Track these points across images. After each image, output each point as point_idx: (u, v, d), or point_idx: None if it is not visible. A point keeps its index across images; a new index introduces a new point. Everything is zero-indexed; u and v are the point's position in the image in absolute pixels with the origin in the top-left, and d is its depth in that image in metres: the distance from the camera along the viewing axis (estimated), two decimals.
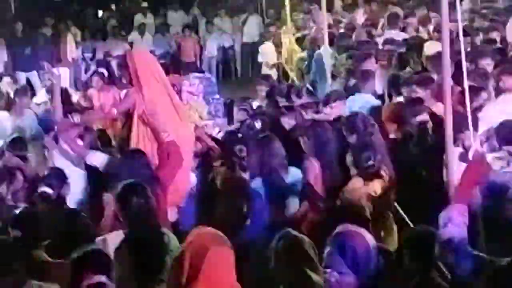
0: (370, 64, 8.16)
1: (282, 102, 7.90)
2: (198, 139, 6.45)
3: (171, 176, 5.47)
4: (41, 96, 9.65)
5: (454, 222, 3.70)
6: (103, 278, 3.46)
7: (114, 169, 5.50)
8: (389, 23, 10.53)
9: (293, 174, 5.60)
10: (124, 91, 9.63)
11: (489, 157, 4.88)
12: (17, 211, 4.81)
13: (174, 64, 15.60)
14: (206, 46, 16.37)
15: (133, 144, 5.97)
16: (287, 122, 6.78)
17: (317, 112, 7.02)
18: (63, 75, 11.17)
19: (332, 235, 3.65)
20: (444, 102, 4.83)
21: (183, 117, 6.32)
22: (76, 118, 7.00)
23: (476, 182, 4.25)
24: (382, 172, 5.36)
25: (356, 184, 5.22)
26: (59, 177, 5.56)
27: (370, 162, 5.27)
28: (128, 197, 4.41)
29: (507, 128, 5.12)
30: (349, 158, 5.41)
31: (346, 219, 4.11)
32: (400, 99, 7.08)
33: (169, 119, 5.98)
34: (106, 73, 10.92)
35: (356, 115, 6.21)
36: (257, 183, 5.32)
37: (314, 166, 5.60)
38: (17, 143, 6.48)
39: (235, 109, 8.04)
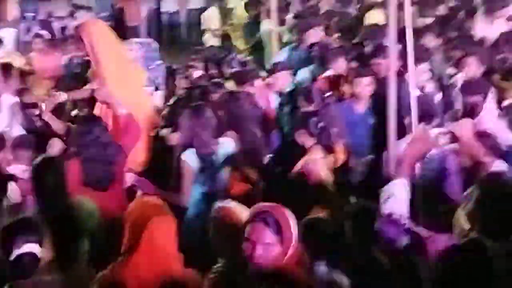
0: (316, 36, 8.11)
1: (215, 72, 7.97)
2: None
3: (131, 146, 5.43)
4: None
5: (395, 197, 3.70)
6: (34, 248, 3.40)
7: (74, 135, 5.42)
8: None
9: (226, 146, 5.48)
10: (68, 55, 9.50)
11: (433, 132, 4.93)
12: None
13: (118, 29, 15.31)
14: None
15: None
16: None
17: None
18: (8, 37, 10.70)
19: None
20: (389, 79, 4.83)
21: (139, 84, 6.27)
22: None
23: (418, 158, 4.25)
24: (338, 146, 5.38)
25: (318, 153, 5.17)
26: None
27: (321, 125, 5.23)
28: (41, 174, 4.41)
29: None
30: (297, 129, 5.37)
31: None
32: None
33: (126, 88, 5.95)
34: (48, 35, 10.53)
35: (311, 86, 6.32)
36: (189, 155, 5.20)
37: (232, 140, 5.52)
38: None
39: (177, 77, 7.98)
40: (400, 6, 4.89)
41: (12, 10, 14.63)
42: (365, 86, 6.20)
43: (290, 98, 6.49)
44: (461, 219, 3.59)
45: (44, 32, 10.26)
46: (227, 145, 5.41)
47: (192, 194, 5.14)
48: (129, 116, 5.61)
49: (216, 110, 5.62)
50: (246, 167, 5.32)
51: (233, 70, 7.61)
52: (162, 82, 8.06)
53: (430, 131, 5.01)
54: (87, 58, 7.23)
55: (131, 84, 6.17)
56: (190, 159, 5.16)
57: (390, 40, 4.82)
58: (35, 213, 4.22)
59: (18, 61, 8.86)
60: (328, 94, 6.28)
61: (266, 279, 3.01)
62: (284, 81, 6.95)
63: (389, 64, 4.89)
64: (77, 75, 8.85)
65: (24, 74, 8.42)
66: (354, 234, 3.73)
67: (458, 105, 5.75)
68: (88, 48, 5.96)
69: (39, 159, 4.58)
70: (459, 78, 6.53)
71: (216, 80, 7.12)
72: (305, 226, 3.65)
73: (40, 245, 3.46)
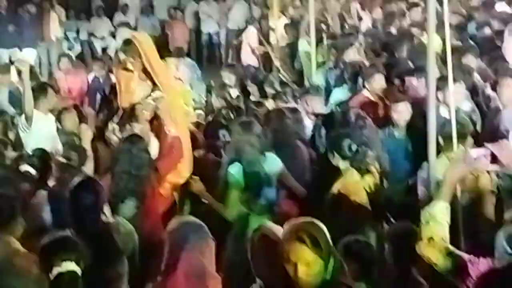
0: (353, 55, 8.11)
1: (254, 91, 8.08)
2: None
3: (170, 168, 5.54)
4: (13, 75, 9.54)
5: (436, 220, 3.67)
6: (72, 266, 3.38)
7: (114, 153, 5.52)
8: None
9: (271, 162, 5.47)
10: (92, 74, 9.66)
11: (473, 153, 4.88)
12: None
13: (161, 49, 15.53)
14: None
15: None
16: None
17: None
18: (30, 57, 10.86)
19: None
20: (427, 100, 4.80)
21: (187, 102, 6.40)
22: None
23: (458, 180, 4.22)
24: (373, 168, 5.24)
25: (354, 175, 5.08)
26: (41, 158, 5.62)
27: (354, 147, 5.10)
28: (78, 194, 4.37)
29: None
30: (330, 151, 5.25)
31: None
32: None
33: (173, 107, 6.03)
34: (73, 56, 10.73)
35: (348, 109, 6.26)
36: (236, 169, 5.21)
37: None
38: None
39: (213, 97, 8.04)
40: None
41: (56, 30, 14.97)
42: (402, 111, 6.18)
43: (326, 120, 6.50)
44: (502, 242, 3.55)
45: (70, 52, 10.36)
46: (273, 161, 5.42)
47: (236, 210, 5.15)
48: (175, 139, 5.71)
49: (263, 126, 5.65)
50: (291, 184, 5.41)
51: (274, 89, 7.68)
52: (203, 100, 8.15)
53: (470, 152, 4.96)
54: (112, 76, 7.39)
55: (177, 102, 6.28)
56: (237, 174, 5.18)
57: (430, 61, 4.79)
58: (73, 232, 4.17)
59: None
60: (363, 115, 6.25)
61: None
62: (318, 104, 6.97)
63: (426, 85, 4.86)
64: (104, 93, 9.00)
65: None
66: (394, 256, 3.70)
67: (498, 126, 5.71)
68: (143, 58, 5.97)
69: (77, 179, 4.57)
70: (497, 99, 6.49)
71: (257, 99, 7.21)
72: (344, 247, 3.64)
73: (79, 265, 3.45)
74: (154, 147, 5.71)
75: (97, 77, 10.62)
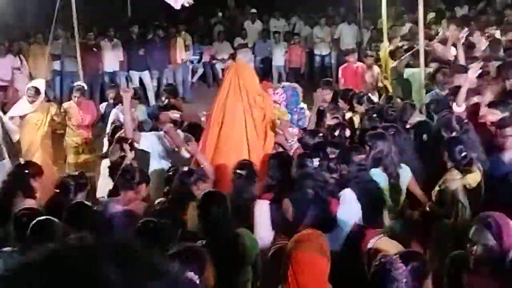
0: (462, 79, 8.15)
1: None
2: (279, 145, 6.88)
3: None
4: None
5: None
6: (190, 274, 3.37)
7: None
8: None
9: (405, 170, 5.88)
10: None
11: None
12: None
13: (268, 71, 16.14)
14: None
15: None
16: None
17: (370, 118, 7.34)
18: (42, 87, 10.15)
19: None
20: None
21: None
22: None
23: None
24: (476, 168, 5.52)
25: (454, 175, 5.40)
26: None
27: (463, 154, 5.47)
28: (208, 205, 4.52)
29: None
30: (443, 151, 5.63)
31: None
32: None
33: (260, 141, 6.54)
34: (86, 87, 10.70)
35: (453, 116, 6.56)
36: (378, 173, 5.64)
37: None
38: None
39: (328, 116, 8.10)
40: None
41: (181, 54, 15.65)
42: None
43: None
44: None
45: (83, 85, 10.36)
46: (405, 170, 5.84)
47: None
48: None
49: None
50: (416, 192, 5.81)
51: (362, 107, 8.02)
52: (303, 124, 8.18)
53: None
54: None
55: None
56: (378, 177, 5.57)
57: None
58: (202, 243, 4.26)
59: (53, 110, 9.64)
60: (466, 121, 6.47)
61: None
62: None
63: None
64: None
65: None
66: None
67: None
68: (235, 85, 6.56)
69: (207, 191, 4.80)
70: None
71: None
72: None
73: (201, 274, 3.46)
74: None
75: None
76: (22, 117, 9.22)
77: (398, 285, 3.29)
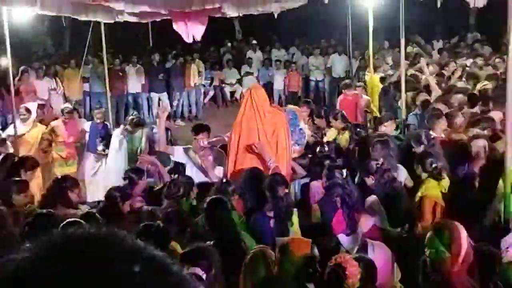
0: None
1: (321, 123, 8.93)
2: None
3: None
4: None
5: None
6: (197, 270, 3.44)
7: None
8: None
9: (402, 172, 6.44)
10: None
11: None
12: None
13: (270, 94, 16.49)
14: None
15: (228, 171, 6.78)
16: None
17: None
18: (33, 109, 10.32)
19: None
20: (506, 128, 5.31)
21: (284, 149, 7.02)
22: None
23: None
24: (444, 175, 5.95)
25: (432, 182, 5.78)
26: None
27: (434, 165, 5.82)
28: (212, 210, 4.68)
29: None
30: (417, 165, 6.01)
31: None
32: None
33: (272, 148, 6.78)
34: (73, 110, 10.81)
35: (422, 131, 7.10)
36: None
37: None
38: None
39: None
40: None
41: (195, 78, 16.83)
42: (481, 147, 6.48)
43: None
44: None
45: (71, 108, 10.78)
46: (402, 171, 6.44)
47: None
48: (278, 169, 6.31)
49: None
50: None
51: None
52: (302, 143, 8.28)
53: None
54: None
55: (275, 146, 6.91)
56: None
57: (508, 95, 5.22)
58: (210, 244, 4.25)
59: (42, 129, 9.95)
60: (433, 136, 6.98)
61: None
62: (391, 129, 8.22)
63: None
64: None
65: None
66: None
67: None
68: (249, 106, 6.88)
69: (211, 197, 4.91)
70: None
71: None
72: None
73: (209, 271, 3.52)
74: None
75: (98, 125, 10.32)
76: (19, 137, 9.45)
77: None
